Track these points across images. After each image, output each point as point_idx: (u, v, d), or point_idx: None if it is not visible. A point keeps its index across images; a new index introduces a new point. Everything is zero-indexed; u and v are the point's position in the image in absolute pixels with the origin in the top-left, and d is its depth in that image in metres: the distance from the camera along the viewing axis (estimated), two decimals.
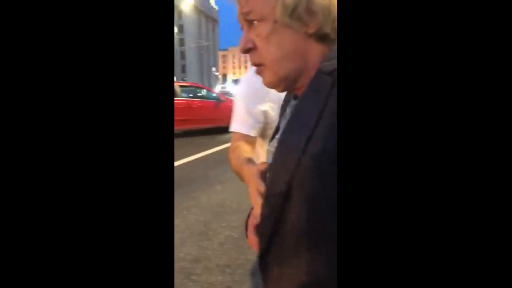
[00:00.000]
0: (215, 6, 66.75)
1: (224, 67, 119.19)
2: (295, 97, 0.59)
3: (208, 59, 65.14)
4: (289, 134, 0.51)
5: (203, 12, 54.19)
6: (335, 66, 0.47)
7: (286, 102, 0.65)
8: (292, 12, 0.48)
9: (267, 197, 0.52)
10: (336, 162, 0.41)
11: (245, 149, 0.90)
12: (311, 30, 0.50)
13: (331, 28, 0.50)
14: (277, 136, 0.59)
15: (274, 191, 0.50)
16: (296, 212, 0.48)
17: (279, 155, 0.51)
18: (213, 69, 71.05)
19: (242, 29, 0.54)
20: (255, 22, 0.52)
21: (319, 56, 0.52)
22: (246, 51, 0.54)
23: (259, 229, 0.55)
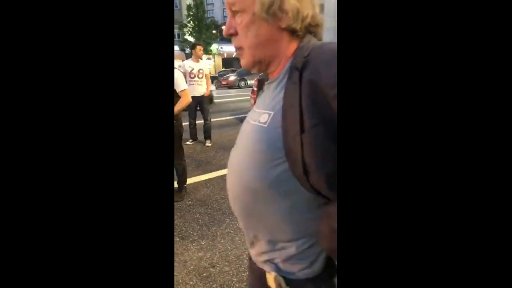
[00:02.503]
0: None
1: None
2: (267, 79, 0.71)
3: None
4: (288, 122, 0.58)
5: None
6: (304, 61, 0.58)
7: (261, 81, 0.77)
8: (268, 9, 0.59)
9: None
10: (332, 132, 0.53)
11: None
12: (283, 25, 0.61)
13: (300, 25, 0.62)
14: (254, 109, 0.70)
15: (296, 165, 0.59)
16: (316, 178, 0.56)
17: (287, 130, 0.59)
18: None
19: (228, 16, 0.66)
20: (238, 12, 0.62)
21: (289, 48, 0.64)
22: (229, 35, 0.65)
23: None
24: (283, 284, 0.67)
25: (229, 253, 2.21)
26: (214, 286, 1.91)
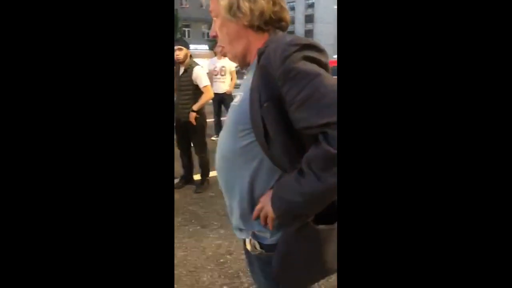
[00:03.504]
0: None
1: None
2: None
3: None
4: (253, 100, 0.71)
5: None
6: (262, 50, 0.71)
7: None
8: (229, 11, 0.75)
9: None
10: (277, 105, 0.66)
11: None
12: (245, 22, 0.76)
13: (259, 21, 0.75)
14: (240, 93, 0.80)
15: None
16: (275, 147, 0.69)
17: (251, 106, 0.72)
18: None
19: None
20: (214, 18, 0.80)
21: (258, 41, 0.77)
22: (213, 37, 0.83)
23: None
24: (257, 246, 0.78)
25: None
26: (230, 271, 1.99)
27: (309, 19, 41.78)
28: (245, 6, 0.73)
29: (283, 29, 0.80)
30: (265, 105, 0.67)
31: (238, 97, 0.77)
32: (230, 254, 2.16)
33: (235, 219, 0.82)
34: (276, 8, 0.76)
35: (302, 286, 0.82)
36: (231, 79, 4.90)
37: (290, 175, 0.67)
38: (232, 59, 0.83)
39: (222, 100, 4.90)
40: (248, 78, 0.77)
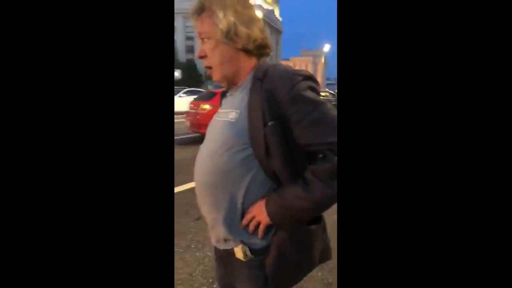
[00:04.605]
0: (279, 18, 67.87)
1: None
2: (227, 90, 0.93)
3: None
4: (252, 118, 0.79)
5: (269, 24, 55.38)
6: (263, 73, 0.81)
7: (223, 92, 0.98)
8: (227, 35, 0.81)
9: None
10: (279, 128, 0.76)
11: None
12: (239, 46, 0.83)
13: (252, 46, 0.84)
14: (220, 110, 0.90)
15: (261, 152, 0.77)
16: (276, 161, 0.77)
17: (252, 124, 0.79)
18: None
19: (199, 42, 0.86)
20: (205, 39, 0.84)
21: (248, 64, 0.86)
22: (201, 57, 0.87)
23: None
24: (248, 252, 0.82)
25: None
26: None
27: (189, 49, 42.26)
28: (243, 32, 0.81)
29: (267, 55, 0.89)
30: (270, 124, 0.75)
31: (234, 114, 0.82)
32: None
33: (219, 232, 0.85)
34: (263, 35, 0.85)
35: (292, 284, 0.86)
36: None
37: (293, 186, 0.76)
38: (221, 79, 0.87)
39: None
40: (240, 97, 0.84)
